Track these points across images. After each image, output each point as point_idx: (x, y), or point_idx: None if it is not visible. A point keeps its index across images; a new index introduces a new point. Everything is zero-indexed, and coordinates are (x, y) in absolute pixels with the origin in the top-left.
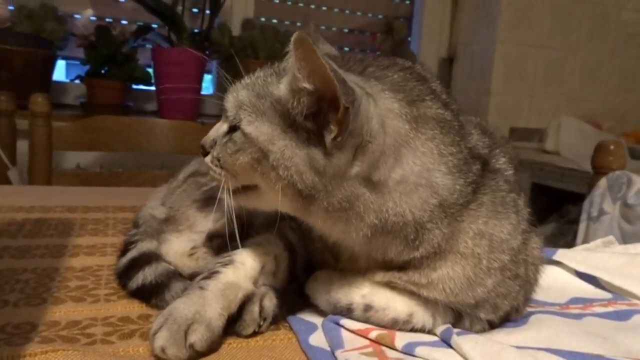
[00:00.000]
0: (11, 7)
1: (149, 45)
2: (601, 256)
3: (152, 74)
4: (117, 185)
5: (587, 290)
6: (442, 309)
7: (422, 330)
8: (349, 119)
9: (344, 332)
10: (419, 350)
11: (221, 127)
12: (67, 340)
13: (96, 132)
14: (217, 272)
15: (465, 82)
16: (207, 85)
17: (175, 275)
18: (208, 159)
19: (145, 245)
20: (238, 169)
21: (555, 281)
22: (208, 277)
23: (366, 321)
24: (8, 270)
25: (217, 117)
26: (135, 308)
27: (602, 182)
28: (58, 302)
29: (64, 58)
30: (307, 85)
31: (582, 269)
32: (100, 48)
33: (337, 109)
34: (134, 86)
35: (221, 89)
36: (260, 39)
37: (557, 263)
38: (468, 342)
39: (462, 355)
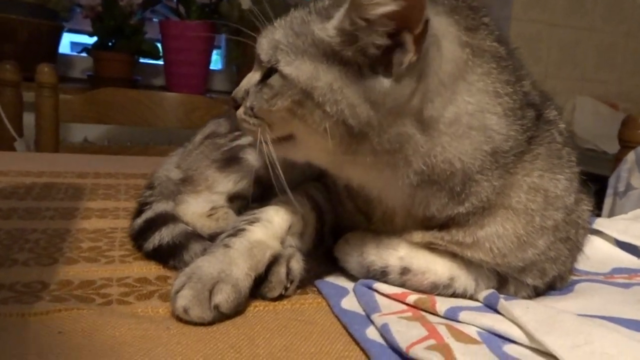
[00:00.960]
0: None
1: (156, 19)
2: None
3: (160, 48)
4: None
5: (630, 260)
6: (486, 272)
7: (463, 295)
8: (426, 36)
9: (378, 297)
10: (463, 315)
11: (253, 76)
12: (81, 300)
13: (103, 105)
14: (243, 229)
15: None
16: (216, 59)
17: (194, 235)
18: (241, 110)
19: (161, 206)
20: (275, 116)
21: (596, 251)
22: (234, 235)
23: (402, 285)
24: (16, 230)
25: (226, 93)
26: (152, 269)
27: (630, 156)
28: (70, 262)
29: (70, 31)
30: (391, 7)
31: (624, 238)
32: (107, 20)
33: (414, 27)
34: (142, 60)
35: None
36: (270, 11)
37: (597, 232)
38: (518, 307)
39: (513, 320)
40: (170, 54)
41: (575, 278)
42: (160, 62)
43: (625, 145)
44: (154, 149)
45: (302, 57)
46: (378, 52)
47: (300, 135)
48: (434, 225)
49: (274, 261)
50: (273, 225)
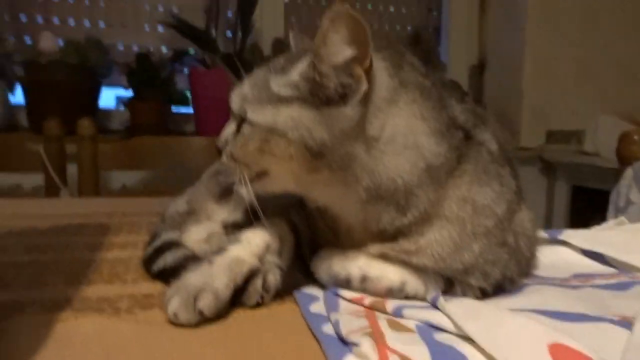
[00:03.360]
0: (60, 42)
1: (185, 70)
2: (608, 233)
3: (189, 96)
4: None
5: (592, 266)
6: (432, 276)
7: (414, 297)
8: (372, 72)
9: (341, 301)
10: (406, 312)
11: (230, 126)
12: (96, 310)
13: (138, 152)
14: (225, 248)
15: (497, 87)
16: None
17: (192, 258)
18: (223, 156)
19: (168, 235)
20: (249, 157)
21: (559, 259)
22: (217, 253)
23: (363, 291)
24: (51, 261)
25: None
26: (157, 287)
27: (628, 173)
28: (91, 284)
29: (109, 86)
30: (351, 52)
31: (587, 246)
32: (141, 73)
33: (364, 64)
34: (174, 109)
35: None
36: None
37: (564, 243)
38: (453, 303)
39: (446, 314)
40: (198, 101)
41: (528, 281)
42: (190, 110)
43: (624, 163)
44: (183, 190)
45: (265, 104)
46: (335, 89)
47: (272, 167)
48: (386, 238)
49: (253, 275)
50: (251, 244)
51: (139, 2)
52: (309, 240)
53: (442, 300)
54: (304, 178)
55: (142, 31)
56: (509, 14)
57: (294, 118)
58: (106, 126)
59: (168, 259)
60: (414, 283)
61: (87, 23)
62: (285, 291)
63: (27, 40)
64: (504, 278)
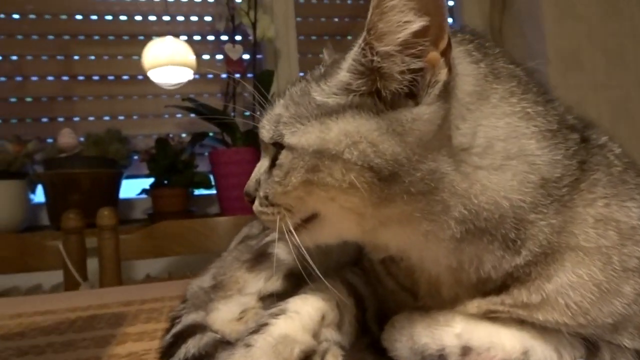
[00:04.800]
0: (81, 139)
1: (206, 153)
2: None
3: (211, 179)
4: None
5: None
6: (568, 338)
7: None
8: (451, 56)
9: None
10: None
11: (262, 164)
12: None
13: (161, 239)
14: (266, 324)
15: None
16: None
17: (221, 344)
18: (256, 203)
19: (190, 317)
20: (292, 197)
21: None
22: (256, 332)
23: None
24: None
25: None
26: None
27: None
28: None
29: (129, 177)
30: (419, 23)
31: None
32: (161, 159)
33: (439, 42)
34: (196, 192)
35: None
36: None
37: None
38: None
39: None
40: (221, 181)
41: None
42: (213, 192)
43: None
44: (208, 266)
45: (307, 121)
46: (402, 80)
47: (324, 207)
48: (489, 290)
49: (306, 358)
50: (301, 316)
51: (157, 93)
52: (375, 307)
53: None
54: (369, 216)
55: (161, 120)
56: (526, 57)
57: (349, 132)
58: (128, 216)
59: (190, 347)
60: (540, 351)
61: (107, 117)
62: None
63: (50, 140)
64: None
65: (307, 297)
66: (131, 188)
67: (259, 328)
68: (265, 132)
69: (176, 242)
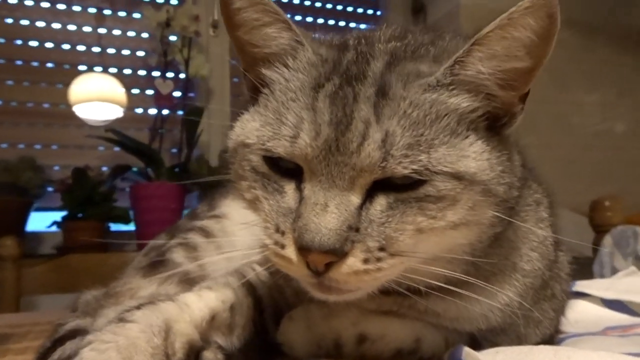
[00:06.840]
0: None
1: (127, 189)
2: (628, 281)
3: (130, 214)
4: None
5: (621, 318)
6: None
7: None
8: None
9: None
10: None
11: (339, 203)
12: None
13: (69, 272)
14: (151, 302)
15: None
16: None
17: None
18: (353, 261)
19: (74, 323)
20: (438, 232)
21: (583, 314)
22: (136, 308)
23: (362, 357)
24: None
25: None
26: None
27: (607, 241)
28: None
29: (40, 209)
30: (526, 63)
31: (610, 295)
32: (77, 190)
33: (527, 85)
34: (113, 227)
35: None
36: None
37: (581, 295)
38: (487, 354)
39: None
40: (142, 216)
41: (562, 336)
42: (132, 227)
43: (599, 231)
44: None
45: (459, 138)
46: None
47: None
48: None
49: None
50: (191, 310)
51: (80, 123)
52: (273, 308)
53: (468, 351)
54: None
55: (81, 151)
56: None
57: (479, 154)
58: (36, 250)
59: (67, 349)
60: (432, 339)
61: (22, 145)
62: None
63: None
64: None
65: (202, 294)
66: (42, 221)
67: (139, 305)
68: (371, 157)
69: (88, 277)
